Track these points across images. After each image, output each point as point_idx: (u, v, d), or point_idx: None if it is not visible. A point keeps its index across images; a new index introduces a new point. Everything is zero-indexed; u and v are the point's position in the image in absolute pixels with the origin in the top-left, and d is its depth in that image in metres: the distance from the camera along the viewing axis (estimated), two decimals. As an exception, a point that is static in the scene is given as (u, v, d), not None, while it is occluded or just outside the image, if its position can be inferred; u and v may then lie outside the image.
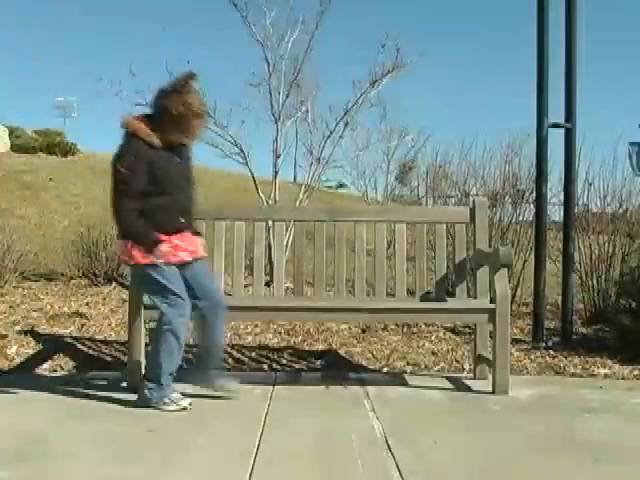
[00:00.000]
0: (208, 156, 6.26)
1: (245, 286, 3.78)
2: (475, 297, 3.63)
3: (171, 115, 2.89)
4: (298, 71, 6.05)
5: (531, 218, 5.11)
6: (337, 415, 2.90)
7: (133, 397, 3.06)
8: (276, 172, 6.18)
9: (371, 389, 3.31)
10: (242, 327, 4.41)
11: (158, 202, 2.91)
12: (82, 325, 4.45)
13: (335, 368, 3.83)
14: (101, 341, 4.19)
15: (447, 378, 3.59)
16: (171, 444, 2.49)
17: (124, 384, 3.24)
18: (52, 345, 4.03)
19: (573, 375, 3.72)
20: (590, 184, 5.20)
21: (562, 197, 4.55)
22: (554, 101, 4.33)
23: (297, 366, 3.83)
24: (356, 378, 3.56)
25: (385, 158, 10.47)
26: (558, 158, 4.47)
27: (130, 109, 4.96)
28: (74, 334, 4.29)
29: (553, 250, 4.86)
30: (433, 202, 6.24)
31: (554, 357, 3.98)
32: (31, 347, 4.01)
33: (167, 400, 2.91)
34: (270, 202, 5.97)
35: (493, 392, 3.23)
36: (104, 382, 3.39)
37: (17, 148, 16.53)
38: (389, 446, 2.49)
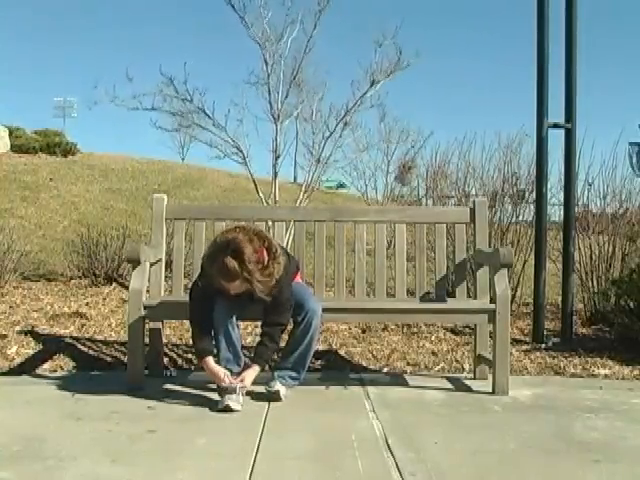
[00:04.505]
0: (208, 156, 6.28)
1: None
2: (475, 297, 3.64)
3: None
4: (297, 71, 6.05)
5: (531, 218, 5.11)
6: (337, 415, 2.90)
7: (133, 397, 3.06)
8: (276, 172, 6.18)
9: (371, 389, 3.31)
10: (242, 327, 4.40)
11: None
12: (82, 325, 4.45)
13: (335, 368, 3.83)
14: (101, 341, 4.19)
15: (447, 378, 3.59)
16: (171, 444, 2.49)
17: (124, 384, 3.23)
18: (52, 345, 4.03)
19: (573, 375, 3.72)
20: (590, 184, 5.21)
21: (562, 197, 4.55)
22: (554, 101, 4.34)
23: (297, 366, 3.83)
24: (356, 378, 3.56)
25: (385, 158, 10.53)
26: (558, 158, 4.48)
27: (126, 114, 5.03)
28: (74, 334, 4.29)
29: (553, 250, 4.86)
30: (433, 202, 6.25)
31: (554, 357, 3.98)
32: (31, 347, 4.01)
33: None
34: (270, 202, 5.97)
35: (493, 392, 3.23)
36: (104, 382, 3.39)
37: (17, 148, 16.51)
38: (389, 446, 2.49)
